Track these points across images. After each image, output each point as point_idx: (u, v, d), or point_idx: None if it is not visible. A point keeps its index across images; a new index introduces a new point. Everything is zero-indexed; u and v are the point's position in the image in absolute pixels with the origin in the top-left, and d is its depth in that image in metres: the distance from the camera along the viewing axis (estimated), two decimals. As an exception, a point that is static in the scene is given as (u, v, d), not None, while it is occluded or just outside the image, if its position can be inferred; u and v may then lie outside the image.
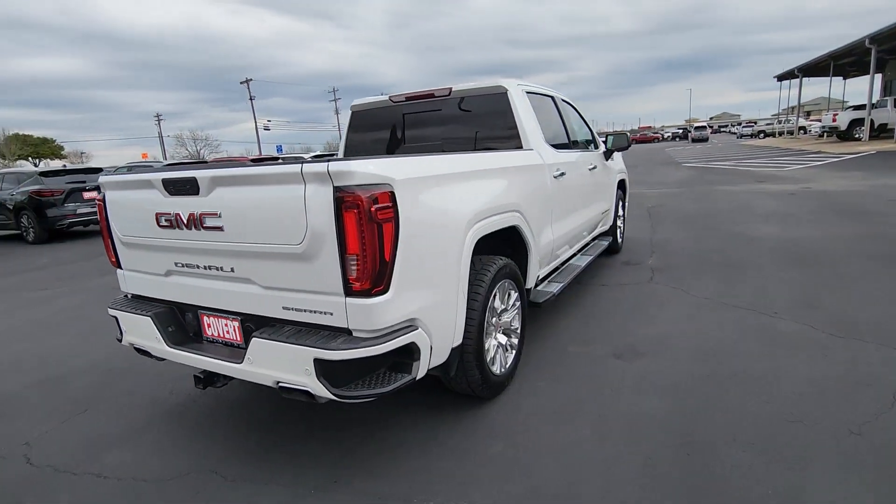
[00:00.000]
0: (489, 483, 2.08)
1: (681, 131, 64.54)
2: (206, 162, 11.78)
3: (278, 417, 2.72)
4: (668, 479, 2.03)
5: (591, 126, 5.08)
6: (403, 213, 1.91)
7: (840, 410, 2.41)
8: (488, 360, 2.61)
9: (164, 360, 2.47)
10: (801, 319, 3.53)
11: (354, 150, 4.14)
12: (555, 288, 3.55)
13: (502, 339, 2.84)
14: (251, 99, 47.75)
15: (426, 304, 2.06)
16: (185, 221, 2.14)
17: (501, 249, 2.98)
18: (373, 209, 1.78)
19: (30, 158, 58.34)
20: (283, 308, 2.03)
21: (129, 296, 2.67)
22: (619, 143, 5.11)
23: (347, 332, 1.91)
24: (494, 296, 2.69)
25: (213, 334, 2.33)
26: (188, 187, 2.09)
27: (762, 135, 44.23)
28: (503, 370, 2.80)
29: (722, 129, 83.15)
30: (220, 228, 2.06)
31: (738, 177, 13.47)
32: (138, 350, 2.53)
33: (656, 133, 70.86)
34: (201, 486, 2.18)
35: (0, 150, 57.46)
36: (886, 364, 2.83)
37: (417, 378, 2.06)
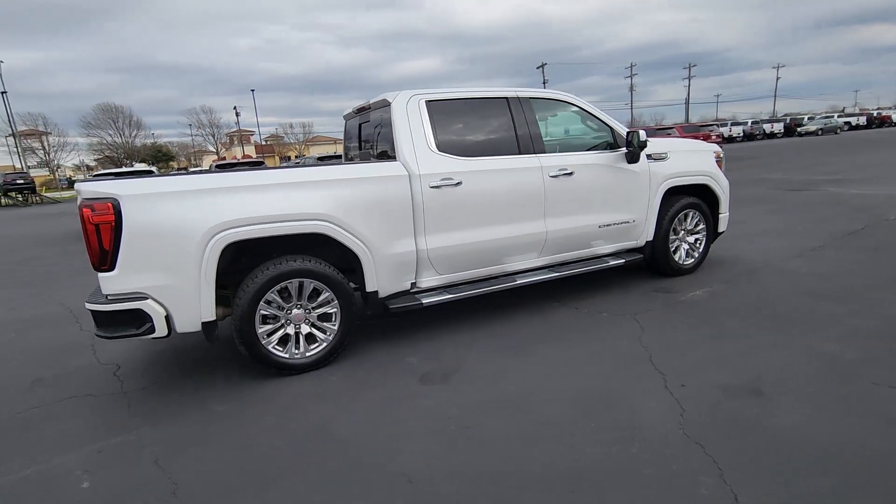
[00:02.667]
0: (177, 425, 2.74)
1: None
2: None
3: (198, 351, 3.90)
4: None
5: (611, 125, 4.28)
6: (127, 218, 2.73)
7: (482, 498, 2.00)
8: (265, 342, 3.13)
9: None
10: (687, 401, 2.55)
11: (347, 155, 4.86)
12: (427, 299, 3.56)
13: (305, 329, 3.27)
14: (544, 83, 50.26)
15: (158, 285, 2.83)
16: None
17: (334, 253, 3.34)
18: (89, 214, 2.68)
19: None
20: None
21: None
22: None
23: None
24: (285, 290, 3.15)
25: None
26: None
27: None
28: (300, 356, 3.23)
29: None
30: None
31: None
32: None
33: None
34: (111, 376, 3.57)
35: (371, 134, 77.84)
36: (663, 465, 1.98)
37: (151, 336, 2.86)
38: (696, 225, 4.79)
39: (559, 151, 4.09)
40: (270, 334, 3.17)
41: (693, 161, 4.68)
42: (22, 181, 29.22)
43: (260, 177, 3.09)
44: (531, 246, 3.95)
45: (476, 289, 3.75)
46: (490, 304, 4.27)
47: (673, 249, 4.68)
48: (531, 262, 4.03)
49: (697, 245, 4.84)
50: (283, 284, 3.13)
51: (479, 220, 3.68)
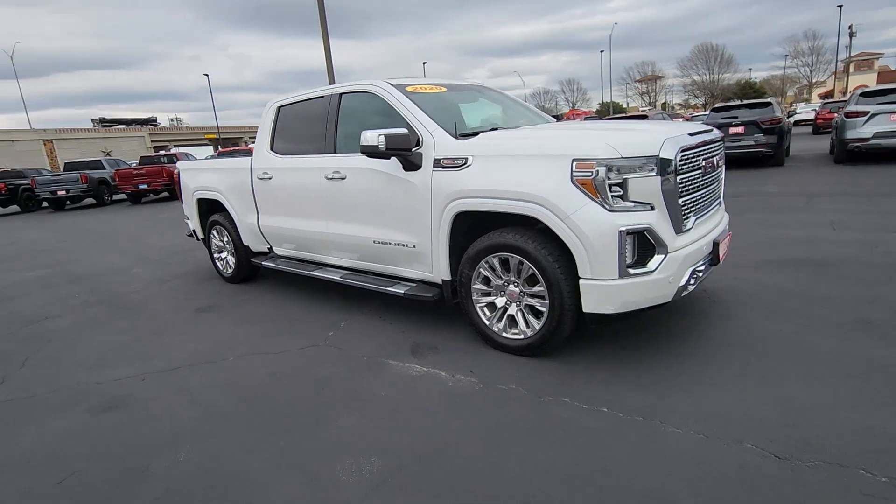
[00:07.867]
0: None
1: None
2: None
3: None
4: None
5: (411, 122, 3.23)
6: (182, 179, 5.63)
7: None
8: (217, 257, 5.43)
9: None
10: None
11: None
12: (265, 262, 4.66)
13: (228, 257, 5.29)
14: None
15: (189, 213, 5.65)
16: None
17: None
18: (175, 176, 5.75)
19: None
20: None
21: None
22: (394, 143, 3.04)
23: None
24: (219, 229, 5.27)
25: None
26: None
27: None
28: (228, 274, 5.34)
29: None
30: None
31: None
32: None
33: None
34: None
35: None
36: None
37: (194, 238, 5.80)
38: (535, 283, 2.79)
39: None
40: (218, 252, 5.44)
41: (512, 173, 2.68)
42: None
43: (204, 164, 5.27)
44: (324, 245, 4.05)
45: (296, 268, 4.41)
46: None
47: (486, 305, 3.05)
48: (339, 261, 4.08)
49: (542, 314, 2.83)
50: (215, 228, 5.27)
51: (283, 210, 4.29)
